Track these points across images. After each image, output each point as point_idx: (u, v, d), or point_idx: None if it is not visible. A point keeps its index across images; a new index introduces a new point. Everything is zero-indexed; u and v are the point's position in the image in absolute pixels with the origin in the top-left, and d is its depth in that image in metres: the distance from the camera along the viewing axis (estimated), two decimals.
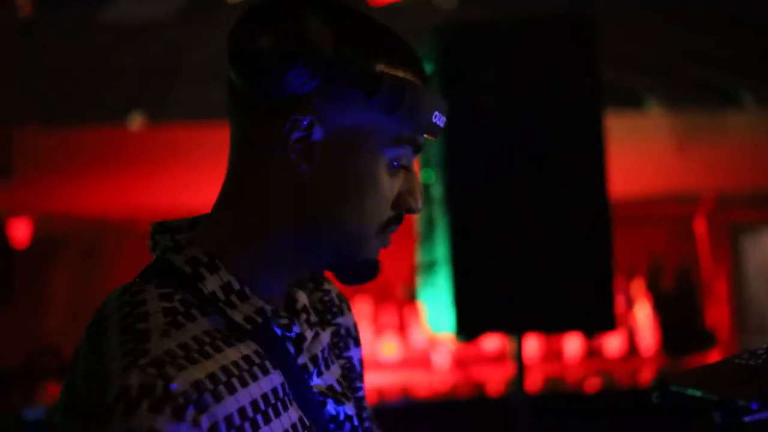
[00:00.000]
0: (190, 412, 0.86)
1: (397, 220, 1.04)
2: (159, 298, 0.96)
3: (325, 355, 1.11)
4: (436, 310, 2.65)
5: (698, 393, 1.09)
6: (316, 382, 1.07)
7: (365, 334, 4.99)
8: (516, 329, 2.61)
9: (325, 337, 1.11)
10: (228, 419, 0.90)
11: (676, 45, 4.59)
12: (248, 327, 0.98)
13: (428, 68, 1.01)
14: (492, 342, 4.95)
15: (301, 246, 1.01)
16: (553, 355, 5.19)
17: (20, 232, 5.36)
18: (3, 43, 4.48)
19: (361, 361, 1.24)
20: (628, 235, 4.78)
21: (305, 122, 0.97)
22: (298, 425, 0.99)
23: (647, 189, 5.24)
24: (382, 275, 1.08)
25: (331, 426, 1.08)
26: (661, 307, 5.04)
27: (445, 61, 2.55)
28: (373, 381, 4.22)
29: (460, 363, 5.14)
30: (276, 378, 0.98)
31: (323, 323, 1.15)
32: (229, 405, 0.91)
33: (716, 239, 5.25)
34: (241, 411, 0.92)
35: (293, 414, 0.99)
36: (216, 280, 0.99)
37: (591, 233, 2.53)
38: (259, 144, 0.99)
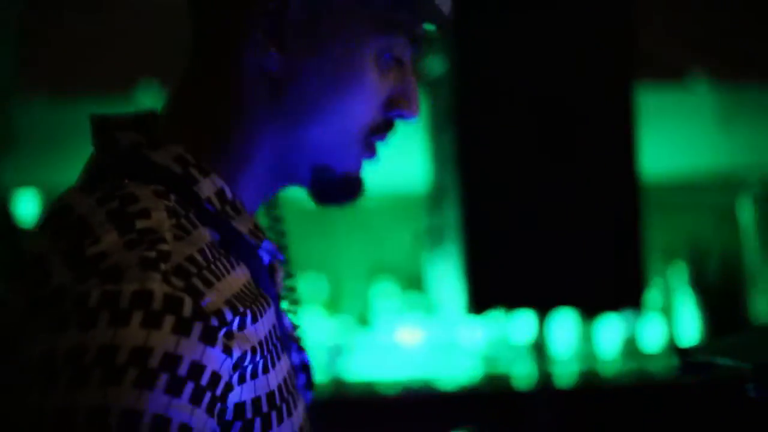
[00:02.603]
0: (222, 336, 0.72)
1: (386, 126, 0.88)
2: (154, 195, 0.75)
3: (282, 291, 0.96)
4: (443, 282, 2.44)
5: (729, 362, 0.93)
6: None
7: (387, 317, 4.75)
8: (537, 305, 2.38)
9: (280, 269, 0.95)
10: (252, 351, 0.75)
11: (723, 18, 4.37)
12: (258, 242, 0.81)
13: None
14: (520, 329, 4.72)
15: (280, 147, 0.84)
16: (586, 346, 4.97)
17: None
18: None
19: None
20: (669, 221, 4.57)
21: None
22: (287, 376, 0.84)
23: (690, 171, 5.04)
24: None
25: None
26: (704, 296, 4.86)
27: (459, 21, 2.35)
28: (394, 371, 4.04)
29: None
30: (271, 313, 0.81)
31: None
32: (252, 335, 0.76)
33: (764, 225, 5.05)
34: (260, 344, 0.77)
35: (285, 360, 0.85)
36: (209, 184, 0.80)
37: (619, 207, 2.34)
38: (228, 26, 0.82)
